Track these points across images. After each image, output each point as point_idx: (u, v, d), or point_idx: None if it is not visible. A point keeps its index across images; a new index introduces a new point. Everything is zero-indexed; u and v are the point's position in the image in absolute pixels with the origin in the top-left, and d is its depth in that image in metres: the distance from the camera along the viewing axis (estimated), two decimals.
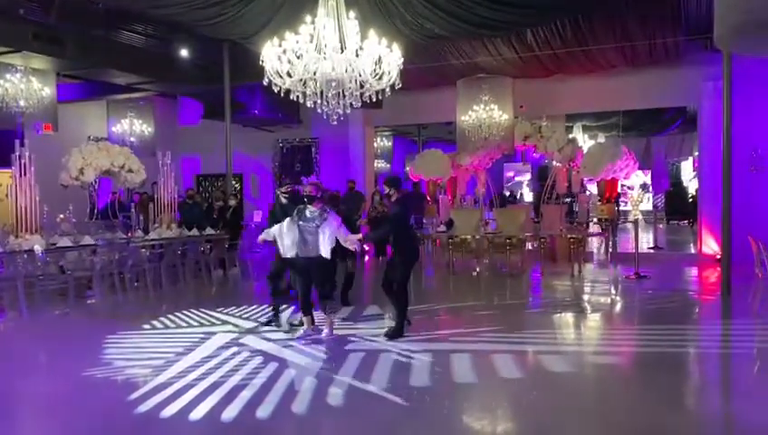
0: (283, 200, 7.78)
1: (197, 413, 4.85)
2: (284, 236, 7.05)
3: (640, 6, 10.29)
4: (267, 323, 7.80)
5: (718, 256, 12.00)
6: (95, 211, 12.10)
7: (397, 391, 5.34)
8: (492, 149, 14.07)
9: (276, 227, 7.16)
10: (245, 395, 5.21)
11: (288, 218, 7.08)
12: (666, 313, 8.56)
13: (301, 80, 7.27)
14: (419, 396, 5.24)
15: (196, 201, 13.49)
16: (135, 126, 15.66)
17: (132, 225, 11.70)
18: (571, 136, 16.22)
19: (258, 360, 6.31)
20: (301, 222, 6.97)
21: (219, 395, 5.22)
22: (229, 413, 4.84)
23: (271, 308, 8.00)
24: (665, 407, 4.97)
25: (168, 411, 4.90)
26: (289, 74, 7.25)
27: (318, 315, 7.45)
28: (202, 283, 11.44)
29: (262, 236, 7.40)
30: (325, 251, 6.93)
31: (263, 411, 4.89)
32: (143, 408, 4.99)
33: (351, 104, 7.59)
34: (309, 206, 7.01)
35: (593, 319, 8.55)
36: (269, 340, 7.09)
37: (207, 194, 17.49)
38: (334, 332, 7.19)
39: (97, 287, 9.85)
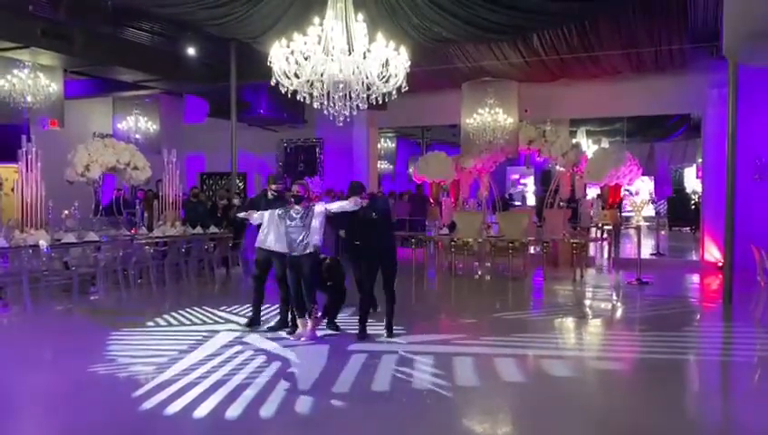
0: (270, 196, 7.71)
1: (201, 411, 4.88)
2: (269, 229, 7.08)
3: (647, 13, 10.31)
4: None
5: (720, 264, 12.04)
6: (99, 208, 12.18)
7: (399, 393, 5.38)
8: (496, 152, 14.09)
9: (267, 214, 7.13)
10: (249, 394, 5.24)
11: (276, 214, 7.08)
12: (667, 319, 8.57)
13: (308, 81, 7.31)
14: (422, 398, 5.28)
15: (201, 200, 13.53)
16: (140, 123, 15.72)
17: (137, 222, 11.75)
18: (574, 141, 16.25)
19: (261, 359, 6.34)
20: (288, 221, 6.99)
21: (223, 393, 5.25)
22: (233, 412, 4.87)
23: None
24: (665, 413, 5.00)
25: (172, 409, 4.93)
26: (296, 75, 7.29)
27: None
28: (205, 281, 11.47)
29: (244, 215, 7.34)
30: (312, 244, 6.93)
31: (266, 411, 4.92)
32: (147, 405, 5.02)
33: (358, 106, 7.63)
34: (295, 206, 7.02)
35: (595, 324, 8.56)
36: (272, 339, 7.12)
37: (211, 192, 17.53)
38: (317, 333, 7.16)
39: (101, 284, 9.90)
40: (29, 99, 11.60)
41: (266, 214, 7.13)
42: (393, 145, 22.82)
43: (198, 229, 11.74)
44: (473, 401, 5.37)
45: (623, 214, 17.59)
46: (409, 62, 7.50)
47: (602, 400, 5.52)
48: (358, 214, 7.12)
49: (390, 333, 7.19)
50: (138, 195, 14.22)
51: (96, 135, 15.00)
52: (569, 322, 8.58)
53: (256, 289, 7.74)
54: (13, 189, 13.56)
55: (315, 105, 7.64)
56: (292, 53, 7.21)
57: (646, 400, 5.29)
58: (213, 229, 11.99)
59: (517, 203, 21.92)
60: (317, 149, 17.44)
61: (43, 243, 8.94)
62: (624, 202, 17.33)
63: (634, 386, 5.89)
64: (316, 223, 6.94)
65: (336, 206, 7.14)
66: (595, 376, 6.20)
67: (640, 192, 21.16)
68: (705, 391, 6.03)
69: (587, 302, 10.08)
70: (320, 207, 7.05)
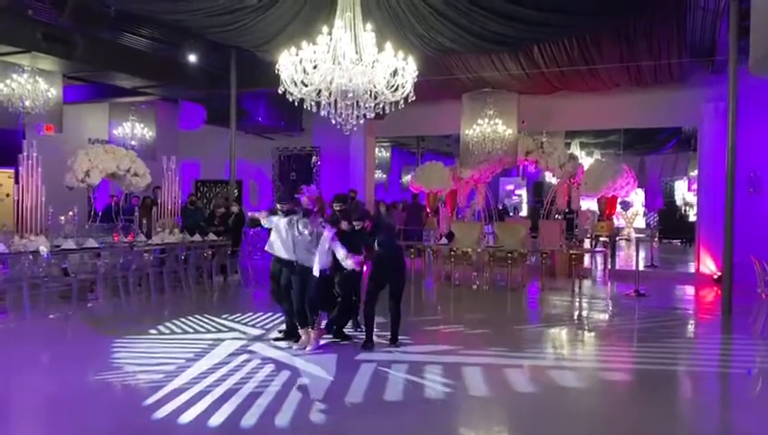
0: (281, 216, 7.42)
1: (216, 420, 4.85)
2: (277, 235, 7.09)
3: (647, 26, 10.44)
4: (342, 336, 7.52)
5: (716, 276, 12.16)
6: (95, 214, 12.08)
7: (412, 402, 5.38)
8: (494, 163, 14.17)
9: (275, 220, 7.14)
10: (262, 403, 5.22)
11: (284, 221, 7.07)
12: (668, 331, 8.63)
13: (316, 90, 7.33)
14: (435, 407, 5.30)
15: (198, 206, 13.46)
16: (136, 129, 15.61)
17: (134, 228, 11.65)
18: (568, 152, 16.37)
19: (270, 368, 6.31)
20: (296, 232, 6.97)
21: (236, 402, 5.23)
22: (248, 421, 4.84)
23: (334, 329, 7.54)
24: (667, 423, 5.08)
25: (187, 417, 4.90)
26: (304, 84, 7.31)
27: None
28: (203, 288, 11.40)
29: (257, 216, 7.37)
30: (317, 267, 6.82)
31: (281, 420, 4.89)
32: (160, 413, 4.98)
33: (365, 115, 7.66)
34: (304, 219, 6.99)
35: (598, 336, 8.61)
36: (279, 348, 7.09)
37: (206, 199, 17.44)
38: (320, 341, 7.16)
39: (100, 291, 9.81)
40: (27, 103, 11.47)
41: (275, 219, 7.13)
42: (387, 154, 22.84)
43: (197, 237, 11.66)
44: (484, 411, 5.39)
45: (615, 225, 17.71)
46: (417, 72, 7.56)
47: (606, 410, 5.56)
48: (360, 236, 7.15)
49: (396, 345, 7.17)
50: (132, 201, 14.11)
51: (92, 141, 14.93)
52: (572, 333, 8.63)
53: (280, 303, 7.54)
54: (8, 195, 13.50)
55: (322, 114, 7.66)
56: (300, 61, 7.23)
57: (648, 411, 5.31)
58: (211, 237, 11.92)
59: (511, 214, 21.98)
60: (313, 158, 17.43)
61: (43, 249, 8.85)
62: (616, 213, 17.47)
63: (638, 397, 5.89)
64: (325, 248, 6.86)
65: (338, 247, 6.92)
66: (599, 387, 6.24)
67: (634, 204, 21.32)
68: (707, 402, 6.07)
69: (588, 313, 10.13)
70: (327, 234, 6.90)
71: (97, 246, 9.83)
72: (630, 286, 11.36)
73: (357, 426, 4.94)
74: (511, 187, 24.09)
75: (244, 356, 6.72)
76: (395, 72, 7.38)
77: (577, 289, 11.60)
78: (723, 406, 5.99)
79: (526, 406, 5.48)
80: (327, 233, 6.90)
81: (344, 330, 7.59)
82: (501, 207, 22.03)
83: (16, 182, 10.24)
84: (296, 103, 7.60)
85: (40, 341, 7.66)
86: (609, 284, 12.76)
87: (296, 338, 7.23)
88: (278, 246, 7.15)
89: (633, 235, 15.83)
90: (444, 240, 12.83)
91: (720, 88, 11.47)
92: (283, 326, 7.64)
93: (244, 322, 8.52)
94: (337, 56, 7.21)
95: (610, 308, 10.57)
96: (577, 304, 10.73)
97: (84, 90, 14.29)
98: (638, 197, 21.64)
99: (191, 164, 17.83)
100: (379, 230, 7.34)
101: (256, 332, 7.92)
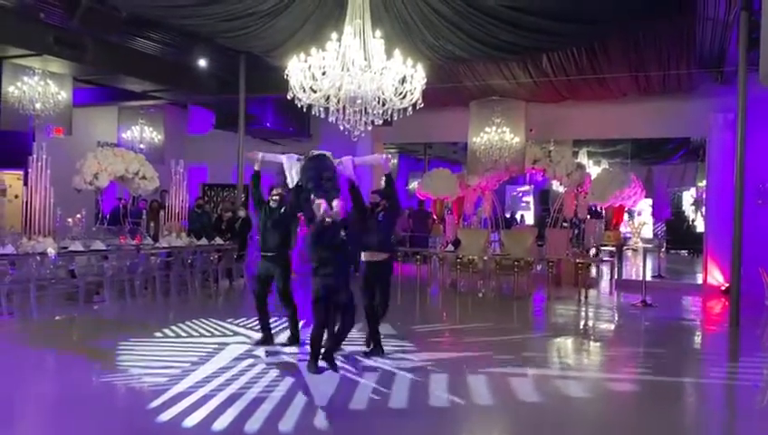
0: (273, 205, 7.64)
1: (220, 424, 4.85)
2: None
3: (656, 37, 10.43)
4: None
5: (723, 287, 12.10)
6: (102, 217, 12.14)
7: (417, 409, 5.37)
8: (501, 171, 14.17)
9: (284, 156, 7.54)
10: (266, 408, 5.21)
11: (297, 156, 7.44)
12: (674, 342, 8.59)
13: (324, 96, 7.36)
14: (439, 414, 5.27)
15: (205, 210, 13.51)
16: (145, 133, 15.69)
17: (141, 231, 11.70)
18: (576, 161, 16.34)
19: (275, 373, 6.30)
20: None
21: (240, 407, 5.22)
22: (252, 425, 4.83)
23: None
24: (672, 434, 5.03)
25: (191, 421, 4.90)
26: (312, 89, 7.33)
27: None
28: (209, 292, 11.42)
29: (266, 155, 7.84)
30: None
31: (285, 425, 4.88)
32: (165, 417, 4.98)
33: (373, 122, 7.68)
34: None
35: (604, 346, 8.57)
36: (283, 353, 7.08)
37: (213, 204, 17.48)
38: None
39: (107, 293, 9.84)
40: (38, 106, 11.56)
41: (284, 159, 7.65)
42: (395, 161, 22.84)
43: (203, 241, 11.69)
44: (488, 419, 5.37)
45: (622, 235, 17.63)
46: (425, 79, 7.57)
47: (611, 420, 5.53)
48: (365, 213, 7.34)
49: (379, 351, 7.04)
50: (139, 204, 14.17)
51: (101, 144, 15.00)
52: (577, 343, 8.59)
53: (259, 308, 7.46)
54: (16, 196, 13.58)
55: (330, 120, 7.69)
56: (309, 67, 7.26)
57: (654, 421, 5.29)
58: (218, 241, 11.95)
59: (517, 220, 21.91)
60: None
61: (50, 251, 8.89)
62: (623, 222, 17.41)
63: (643, 408, 5.85)
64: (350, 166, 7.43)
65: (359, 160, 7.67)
66: (605, 397, 6.20)
67: (642, 213, 21.25)
68: (713, 414, 6.02)
69: (594, 323, 10.09)
70: (347, 159, 7.47)
71: (104, 248, 9.88)
72: (637, 296, 11.30)
73: (360, 433, 4.93)
74: (515, 193, 24.03)
75: (249, 361, 6.72)
76: (403, 79, 7.40)
77: (583, 298, 11.56)
78: (729, 418, 5.94)
79: (531, 415, 5.46)
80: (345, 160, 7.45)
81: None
82: (508, 215, 21.99)
83: (25, 184, 10.32)
84: (304, 109, 7.64)
85: (46, 342, 7.68)
86: (615, 294, 12.70)
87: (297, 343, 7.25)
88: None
89: (640, 245, 15.74)
90: (450, 247, 12.81)
91: (729, 99, 11.43)
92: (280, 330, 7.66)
93: (249, 326, 8.52)
94: (346, 63, 7.23)
95: (617, 318, 10.53)
96: (583, 313, 10.69)
97: (94, 93, 14.38)
98: (645, 206, 21.56)
99: (199, 168, 17.89)
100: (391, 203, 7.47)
101: (260, 336, 7.90)
